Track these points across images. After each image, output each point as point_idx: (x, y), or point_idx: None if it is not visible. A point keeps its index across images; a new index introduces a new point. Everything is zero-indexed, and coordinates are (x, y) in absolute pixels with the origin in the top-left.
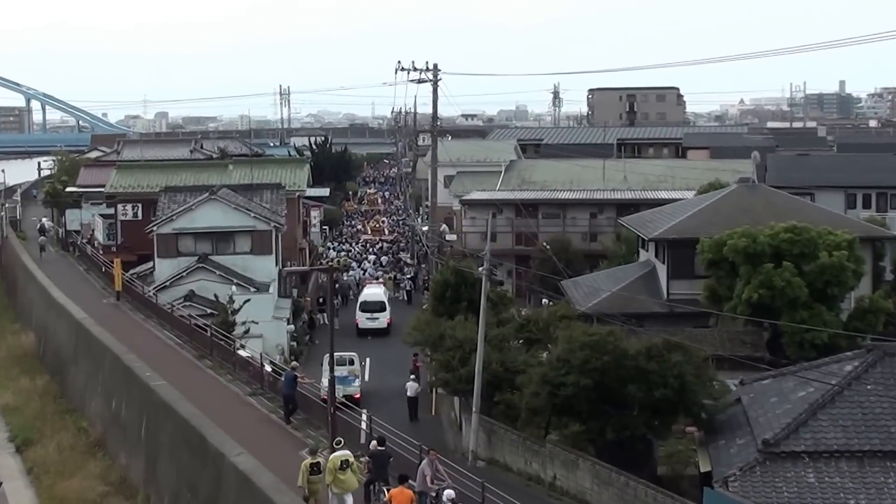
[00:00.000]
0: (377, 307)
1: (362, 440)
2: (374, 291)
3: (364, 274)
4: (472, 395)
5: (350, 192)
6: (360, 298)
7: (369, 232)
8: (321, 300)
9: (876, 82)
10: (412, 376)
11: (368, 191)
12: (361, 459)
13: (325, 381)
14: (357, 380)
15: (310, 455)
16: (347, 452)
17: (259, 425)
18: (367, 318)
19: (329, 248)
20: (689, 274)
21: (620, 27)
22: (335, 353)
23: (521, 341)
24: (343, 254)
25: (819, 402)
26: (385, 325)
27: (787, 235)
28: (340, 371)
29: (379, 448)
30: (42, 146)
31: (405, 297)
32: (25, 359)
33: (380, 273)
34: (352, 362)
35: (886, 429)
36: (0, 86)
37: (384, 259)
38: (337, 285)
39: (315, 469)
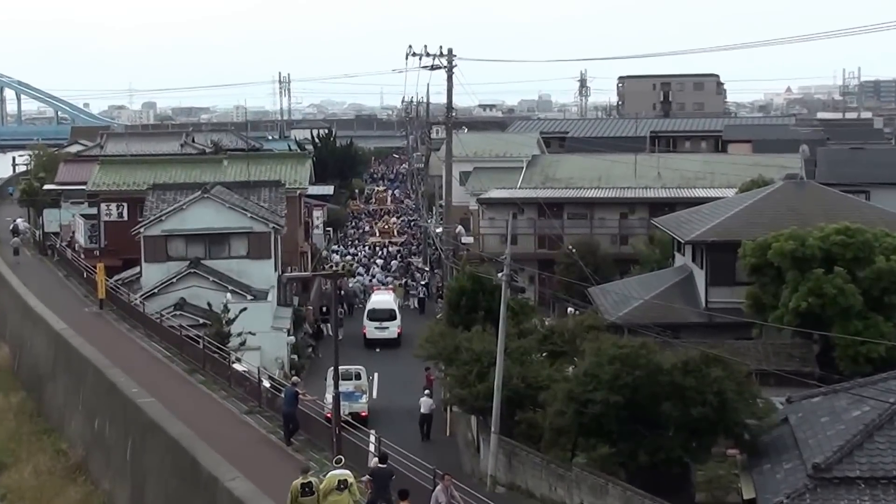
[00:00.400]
0: (386, 315)
1: (370, 462)
2: (382, 298)
3: (372, 280)
4: (490, 413)
5: (356, 190)
6: (368, 306)
7: (377, 234)
8: (324, 309)
9: None
10: (426, 391)
11: (377, 188)
12: (363, 479)
13: (329, 398)
14: (364, 396)
15: (301, 474)
16: (346, 472)
17: (256, 447)
18: (376, 328)
19: (333, 252)
20: (729, 280)
21: (644, 20)
22: (340, 367)
23: (544, 354)
24: (349, 258)
25: (875, 422)
26: (395, 336)
27: (839, 238)
28: (346, 386)
29: (380, 466)
30: (17, 139)
31: (417, 306)
32: None
33: (389, 279)
34: (358, 377)
35: None
36: None
37: (394, 263)
38: (342, 292)
39: (307, 490)
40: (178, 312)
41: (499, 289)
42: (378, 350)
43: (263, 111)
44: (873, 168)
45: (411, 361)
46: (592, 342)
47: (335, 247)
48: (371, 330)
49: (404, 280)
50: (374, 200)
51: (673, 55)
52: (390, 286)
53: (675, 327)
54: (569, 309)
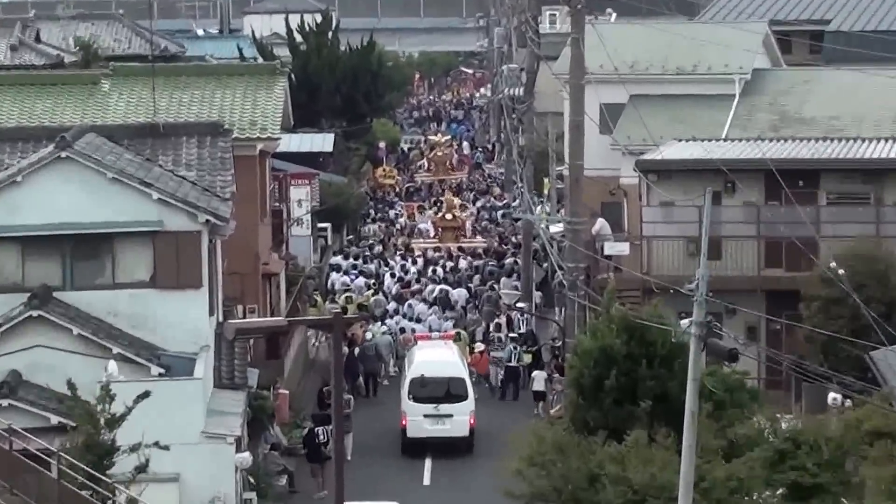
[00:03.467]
0: (445, 390)
1: None
2: (437, 355)
3: (420, 326)
4: None
5: (383, 145)
6: (410, 371)
7: (432, 232)
8: (323, 392)
9: None
10: None
11: (429, 137)
12: None
13: None
14: None
15: None
16: None
17: None
18: (427, 416)
19: (335, 271)
20: None
21: None
22: None
23: (780, 491)
24: (362, 283)
25: None
26: (465, 432)
27: None
28: None
29: None
30: None
31: (505, 385)
32: None
33: (449, 324)
34: None
35: None
36: None
37: (460, 294)
38: (354, 353)
39: None
40: (5, 402)
41: (680, 351)
42: (429, 461)
43: None
44: None
45: (493, 493)
46: (880, 466)
47: (338, 260)
48: (416, 421)
49: (485, 326)
50: (422, 164)
51: None
52: (450, 332)
53: None
54: (830, 395)
